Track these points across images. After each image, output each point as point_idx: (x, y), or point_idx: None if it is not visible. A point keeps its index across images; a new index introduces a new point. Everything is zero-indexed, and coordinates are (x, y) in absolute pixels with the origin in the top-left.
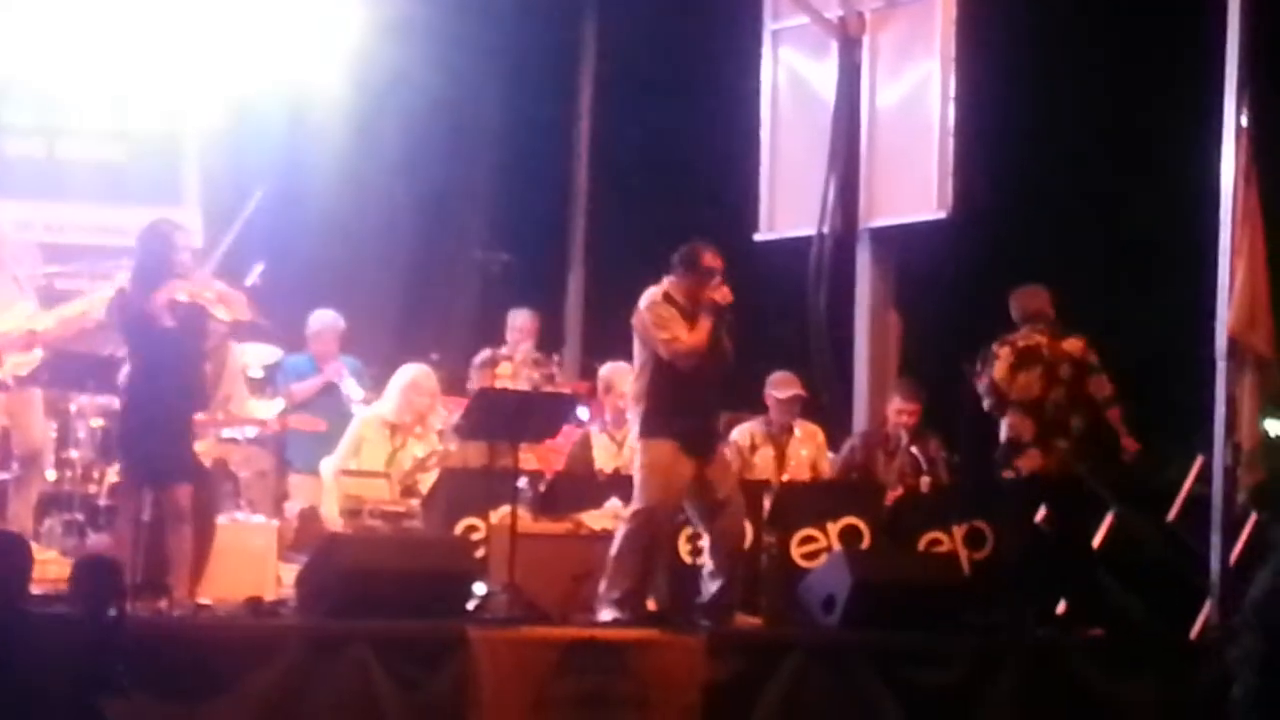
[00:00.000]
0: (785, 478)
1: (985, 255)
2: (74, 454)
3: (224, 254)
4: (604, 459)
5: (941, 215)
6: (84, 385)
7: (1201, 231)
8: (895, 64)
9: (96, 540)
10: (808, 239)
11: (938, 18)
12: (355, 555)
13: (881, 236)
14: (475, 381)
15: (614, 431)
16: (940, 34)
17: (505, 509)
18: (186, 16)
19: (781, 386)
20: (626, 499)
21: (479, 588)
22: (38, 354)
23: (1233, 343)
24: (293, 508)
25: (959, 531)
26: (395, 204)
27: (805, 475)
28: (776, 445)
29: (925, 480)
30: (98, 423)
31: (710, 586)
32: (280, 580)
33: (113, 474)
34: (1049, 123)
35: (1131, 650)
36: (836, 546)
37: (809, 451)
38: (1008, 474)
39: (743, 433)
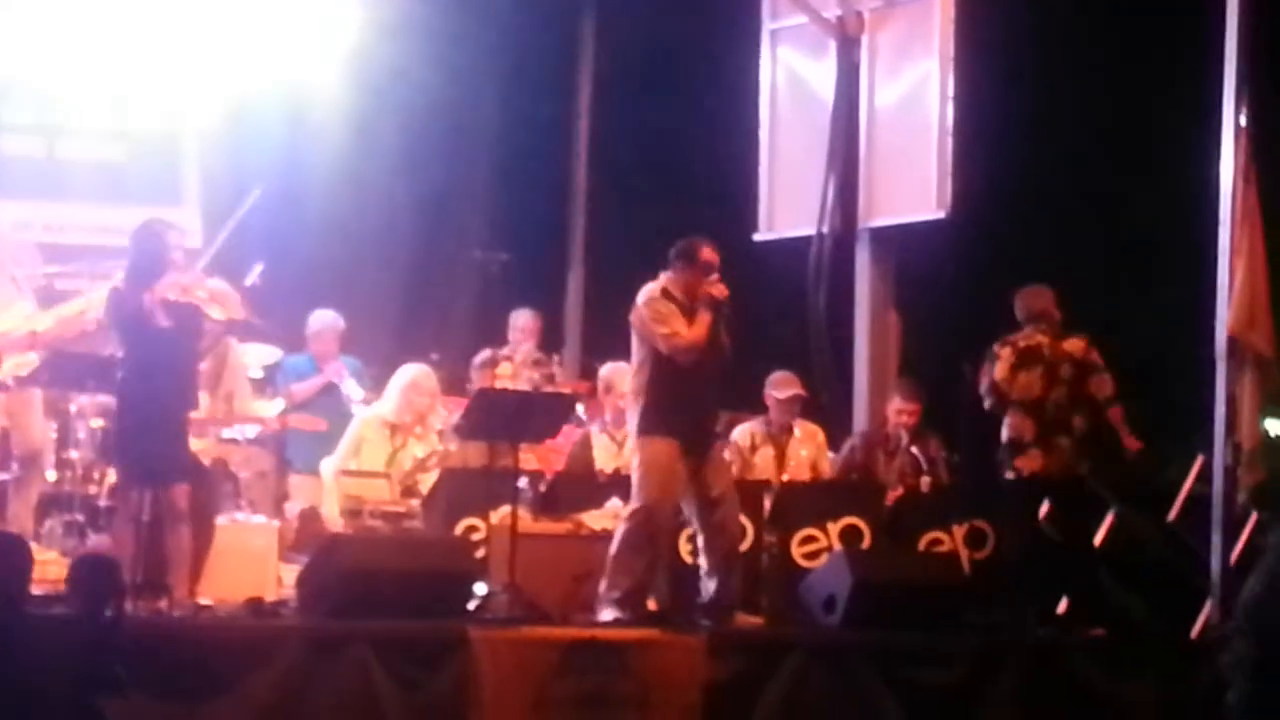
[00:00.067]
0: (785, 478)
1: (984, 255)
2: (74, 454)
3: (220, 251)
4: (604, 459)
5: (940, 215)
6: (84, 385)
7: (1201, 231)
8: (894, 63)
9: (97, 541)
10: (807, 239)
11: (936, 17)
12: (356, 556)
13: (881, 236)
14: (475, 381)
15: (614, 431)
16: (939, 33)
17: (505, 509)
18: (186, 16)
19: (781, 386)
20: (627, 499)
21: (479, 588)
22: (32, 356)
23: (1232, 342)
24: (293, 508)
25: (959, 531)
26: (395, 203)
27: (805, 475)
28: (777, 445)
29: (925, 480)
30: (98, 423)
31: (707, 585)
32: (281, 581)
33: (113, 474)
34: (1048, 122)
35: (1132, 650)
36: (837, 546)
37: (809, 451)
38: (1009, 474)
39: (743, 433)
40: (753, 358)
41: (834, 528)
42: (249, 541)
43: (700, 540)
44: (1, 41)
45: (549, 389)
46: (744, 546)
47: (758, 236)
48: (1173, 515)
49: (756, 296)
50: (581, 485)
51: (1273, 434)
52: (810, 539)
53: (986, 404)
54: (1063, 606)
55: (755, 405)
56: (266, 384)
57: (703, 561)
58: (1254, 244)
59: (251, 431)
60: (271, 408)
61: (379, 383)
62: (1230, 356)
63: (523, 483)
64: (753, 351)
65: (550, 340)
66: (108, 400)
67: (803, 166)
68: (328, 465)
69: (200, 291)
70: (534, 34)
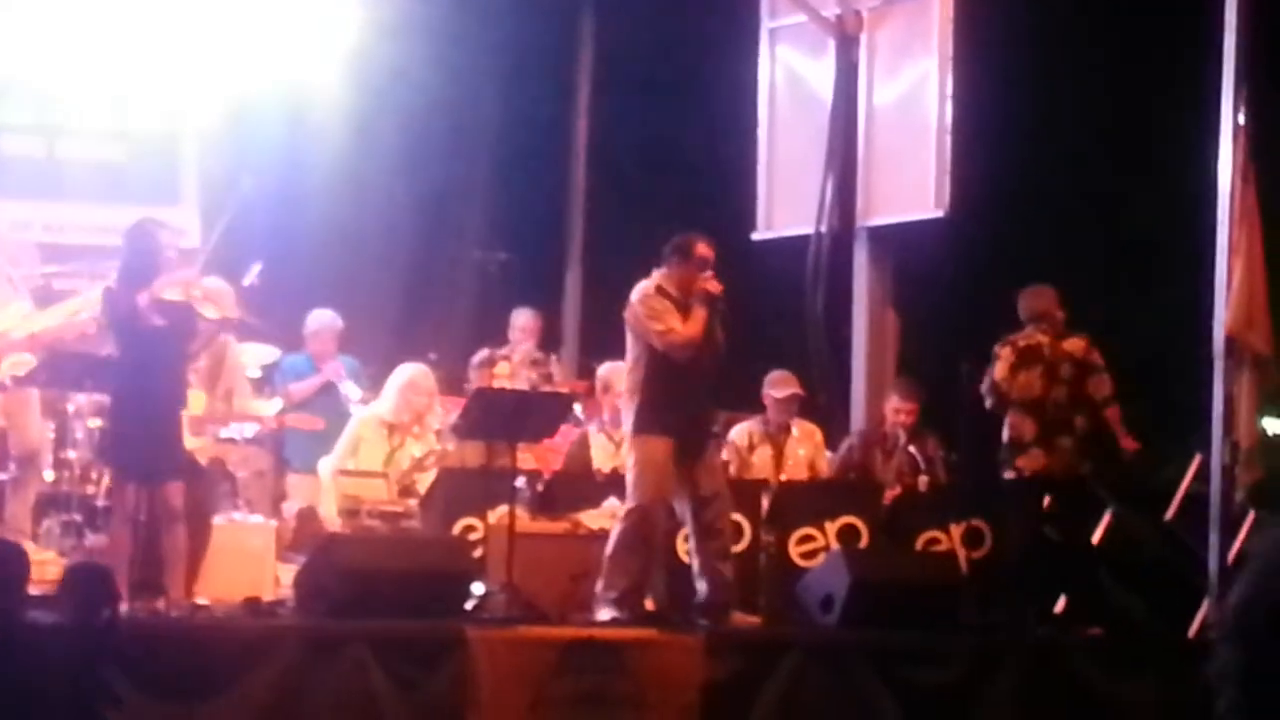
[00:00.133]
0: (783, 477)
1: (983, 254)
2: (72, 454)
3: (219, 251)
4: (602, 458)
5: (939, 214)
6: (81, 385)
7: (1200, 230)
8: (893, 62)
9: (94, 540)
10: (805, 238)
11: (935, 16)
12: (353, 555)
13: (879, 235)
14: (473, 381)
15: (612, 431)
16: (938, 32)
17: (503, 509)
18: (185, 16)
19: (779, 386)
20: (624, 498)
21: (477, 587)
22: (29, 356)
23: (1230, 341)
24: (291, 508)
25: (957, 530)
26: (393, 203)
27: (803, 474)
28: (774, 444)
29: (923, 479)
30: (95, 423)
31: (700, 585)
32: (278, 580)
33: (111, 476)
34: (1046, 121)
35: (1131, 650)
36: (835, 546)
37: (807, 451)
38: (1009, 474)
39: (741, 432)
40: (751, 357)
41: (832, 527)
42: (246, 541)
43: (691, 540)
44: (1, 41)
45: (547, 389)
46: (742, 546)
47: (756, 235)
48: (1170, 514)
49: (755, 295)
50: (579, 485)
51: (1271, 433)
52: (808, 538)
53: (987, 404)
54: (1061, 606)
55: (753, 404)
56: (265, 383)
57: (693, 561)
58: (1252, 243)
59: (249, 431)
60: (270, 407)
61: (377, 382)
62: (1228, 356)
63: (520, 482)
64: (750, 351)
65: (548, 340)
66: (105, 400)
67: (801, 165)
68: (325, 465)
69: (195, 290)
70: (533, 34)
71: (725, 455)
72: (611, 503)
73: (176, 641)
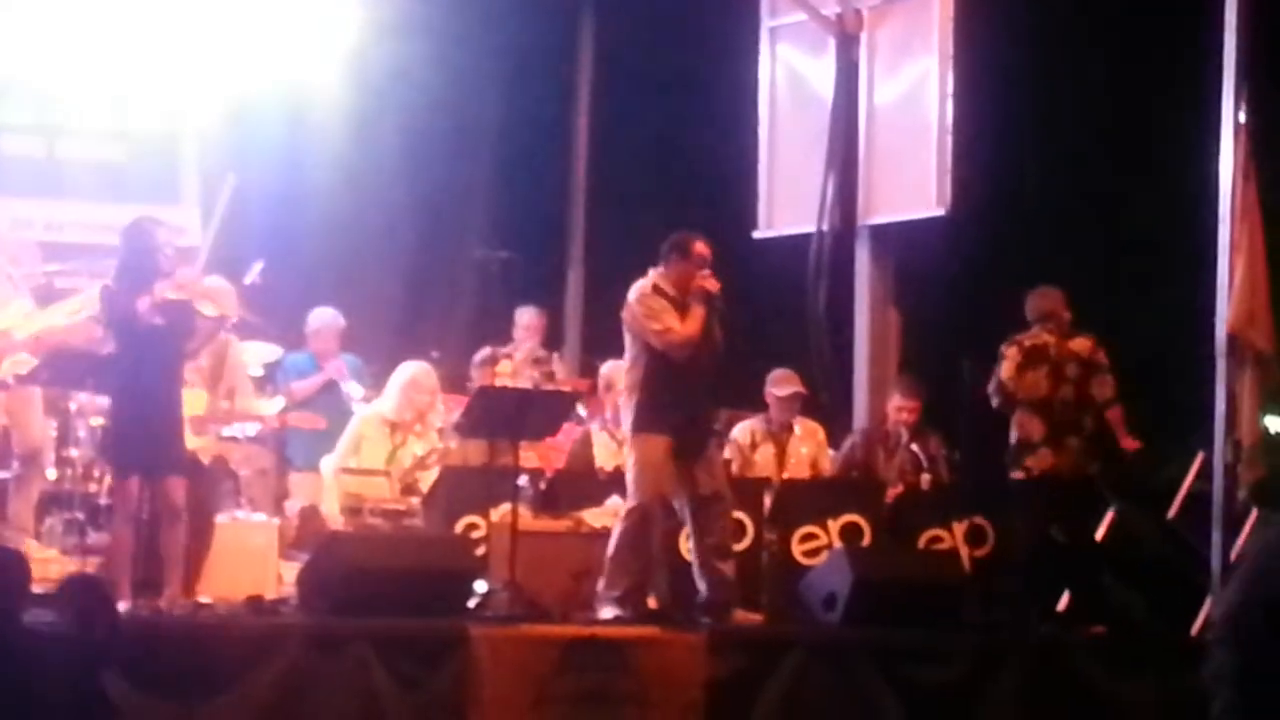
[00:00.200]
0: (786, 475)
1: (984, 252)
2: (74, 453)
3: (221, 249)
4: (604, 457)
5: (940, 212)
6: (83, 384)
7: (1201, 228)
8: (893, 61)
9: (97, 538)
10: (807, 236)
11: (935, 15)
12: (356, 553)
13: (880, 234)
14: (475, 379)
15: (614, 429)
16: (938, 31)
17: (506, 507)
18: (186, 16)
19: (781, 384)
20: (626, 497)
21: (480, 586)
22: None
23: (1232, 339)
24: (293, 506)
25: (960, 528)
26: (395, 202)
27: (806, 473)
28: (777, 443)
29: (926, 477)
30: (98, 421)
31: (700, 583)
32: (281, 578)
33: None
34: (1047, 120)
35: (1133, 649)
36: (837, 544)
37: (809, 449)
38: (1018, 474)
39: (743, 430)
40: (753, 355)
41: (834, 525)
42: (249, 539)
43: (692, 539)
44: (2, 41)
45: (549, 387)
46: (744, 544)
47: (757, 234)
48: (1173, 513)
49: (756, 294)
50: (582, 483)
51: (1273, 431)
52: (810, 536)
53: (994, 403)
54: (1063, 604)
55: (755, 403)
56: (267, 382)
57: (695, 560)
58: (1254, 241)
59: (252, 429)
60: (272, 405)
61: (379, 380)
62: (1230, 354)
63: (523, 480)
64: (753, 349)
65: (550, 338)
66: (107, 399)
67: (802, 164)
68: (328, 463)
69: (194, 288)
70: (534, 33)
71: (728, 453)
72: (614, 501)
73: (179, 640)
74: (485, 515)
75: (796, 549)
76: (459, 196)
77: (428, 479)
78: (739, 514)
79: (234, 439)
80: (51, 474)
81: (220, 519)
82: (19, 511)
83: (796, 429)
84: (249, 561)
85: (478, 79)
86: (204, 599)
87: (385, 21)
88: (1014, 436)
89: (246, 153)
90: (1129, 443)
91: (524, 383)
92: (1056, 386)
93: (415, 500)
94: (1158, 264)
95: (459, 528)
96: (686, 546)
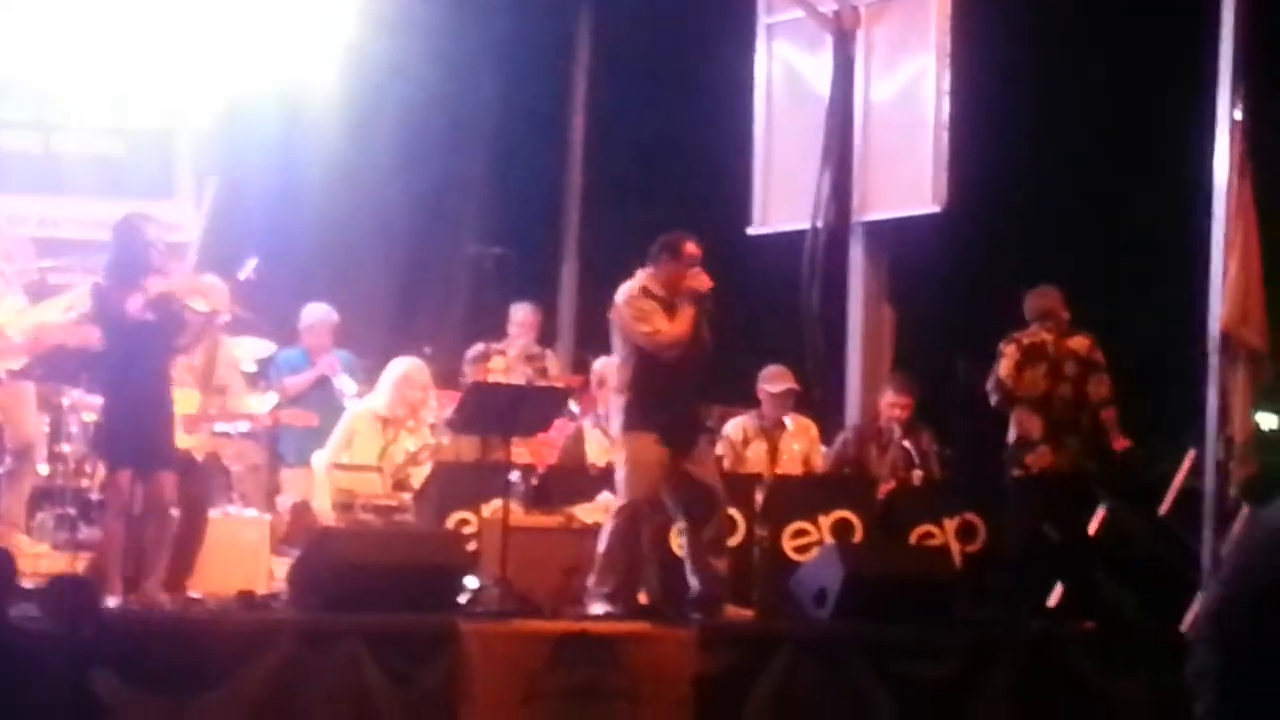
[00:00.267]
0: (778, 471)
1: (979, 250)
2: (66, 448)
3: (213, 246)
4: (596, 453)
5: (935, 210)
6: (76, 380)
7: (1196, 226)
8: (889, 58)
9: (88, 534)
10: (801, 233)
11: (932, 12)
12: (347, 549)
13: (875, 231)
14: (468, 375)
15: (607, 425)
16: (935, 28)
17: (497, 503)
18: (182, 12)
19: (774, 381)
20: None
21: (471, 581)
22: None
23: (1225, 337)
24: (285, 501)
25: (951, 525)
26: (389, 198)
27: (798, 469)
28: (769, 439)
29: (917, 474)
30: (90, 417)
31: (693, 580)
32: (272, 574)
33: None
34: (1043, 117)
35: (1125, 645)
36: (828, 540)
37: (801, 445)
38: (1016, 472)
39: (735, 427)
40: (746, 352)
41: (826, 521)
42: (241, 535)
43: (684, 535)
44: None
45: (542, 383)
46: (736, 540)
47: (752, 230)
48: (1164, 509)
49: (750, 290)
50: (573, 479)
51: (1264, 428)
52: (802, 532)
53: (992, 401)
54: (1054, 600)
55: (748, 399)
56: (260, 378)
57: (686, 556)
58: (1248, 239)
59: (244, 425)
60: (264, 401)
61: (372, 376)
62: (1223, 351)
63: (515, 476)
64: (746, 345)
65: (544, 334)
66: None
67: (798, 161)
68: (319, 459)
69: (184, 284)
70: (530, 29)
71: (720, 450)
72: (606, 497)
73: (170, 635)
74: (477, 511)
75: (788, 545)
76: (454, 192)
77: (420, 475)
78: (730, 510)
79: (226, 435)
80: (43, 469)
81: (212, 514)
82: (10, 507)
83: (789, 425)
84: (240, 557)
85: (473, 75)
86: (195, 594)
87: (381, 17)
88: (1012, 434)
89: (242, 148)
90: (1121, 443)
91: (517, 379)
92: (1055, 385)
93: (407, 496)
94: (1152, 262)
95: (450, 523)
96: (678, 542)
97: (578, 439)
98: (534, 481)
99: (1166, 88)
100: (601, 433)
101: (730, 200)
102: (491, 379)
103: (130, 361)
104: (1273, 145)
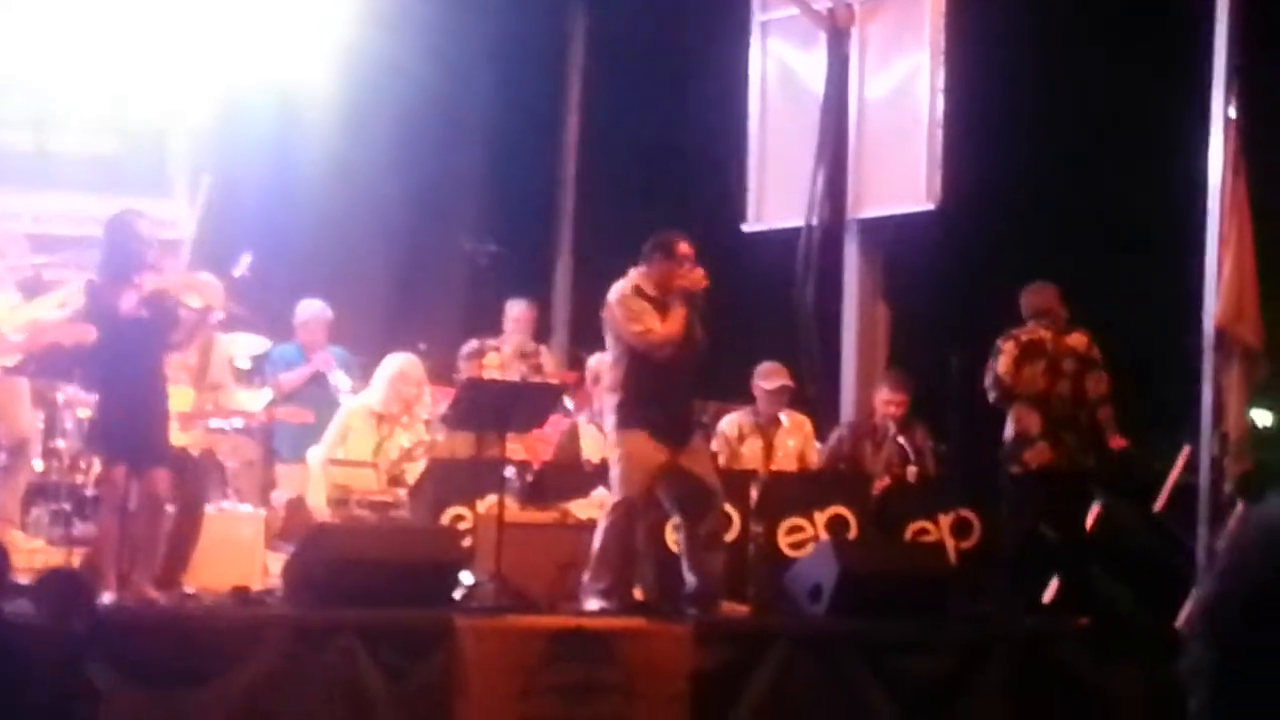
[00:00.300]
0: (773, 468)
1: (973, 247)
2: (61, 444)
3: (208, 243)
4: (591, 449)
5: (929, 207)
6: (71, 376)
7: (1190, 224)
8: (884, 55)
9: (83, 529)
10: (796, 230)
11: (926, 9)
12: (342, 545)
13: (870, 228)
14: (463, 372)
15: (602, 422)
16: (929, 26)
17: (492, 499)
18: (178, 9)
19: (769, 377)
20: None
21: (466, 577)
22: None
23: (1220, 334)
24: (280, 497)
25: (946, 521)
26: (384, 194)
27: (792, 465)
28: (764, 436)
29: (912, 470)
30: (85, 413)
31: (689, 576)
32: (267, 570)
33: (99, 464)
34: (1037, 115)
35: (1119, 640)
36: (824, 536)
37: (796, 442)
38: (1014, 469)
39: (730, 423)
40: (740, 348)
41: (820, 517)
42: (235, 530)
43: (680, 531)
44: None
45: (536, 380)
46: (731, 536)
47: (746, 227)
48: (1159, 505)
49: (745, 287)
50: (568, 475)
51: (1259, 424)
52: (797, 529)
53: (991, 397)
54: (1049, 596)
55: (743, 396)
56: (255, 374)
57: (683, 552)
58: (1242, 236)
59: (239, 421)
60: (259, 397)
61: (367, 372)
62: (1217, 348)
63: (510, 472)
64: (740, 342)
65: (539, 331)
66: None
67: (792, 158)
68: (315, 454)
69: (178, 280)
70: (524, 26)
71: (715, 446)
72: (600, 493)
73: (165, 631)
74: (472, 507)
75: (783, 541)
76: (449, 189)
77: (414, 471)
78: (725, 506)
79: (221, 431)
80: (38, 465)
81: (207, 510)
82: (5, 503)
83: (784, 422)
84: (235, 552)
85: (469, 72)
86: (190, 589)
87: (377, 15)
88: (1010, 431)
89: (237, 145)
90: (1117, 442)
91: (512, 375)
92: (1054, 382)
93: (402, 492)
94: (1147, 259)
95: (445, 519)
96: (673, 539)
97: (572, 435)
98: (529, 477)
99: (1161, 85)
100: (596, 429)
101: (725, 197)
102: (486, 375)
103: (124, 358)
104: (1267, 143)
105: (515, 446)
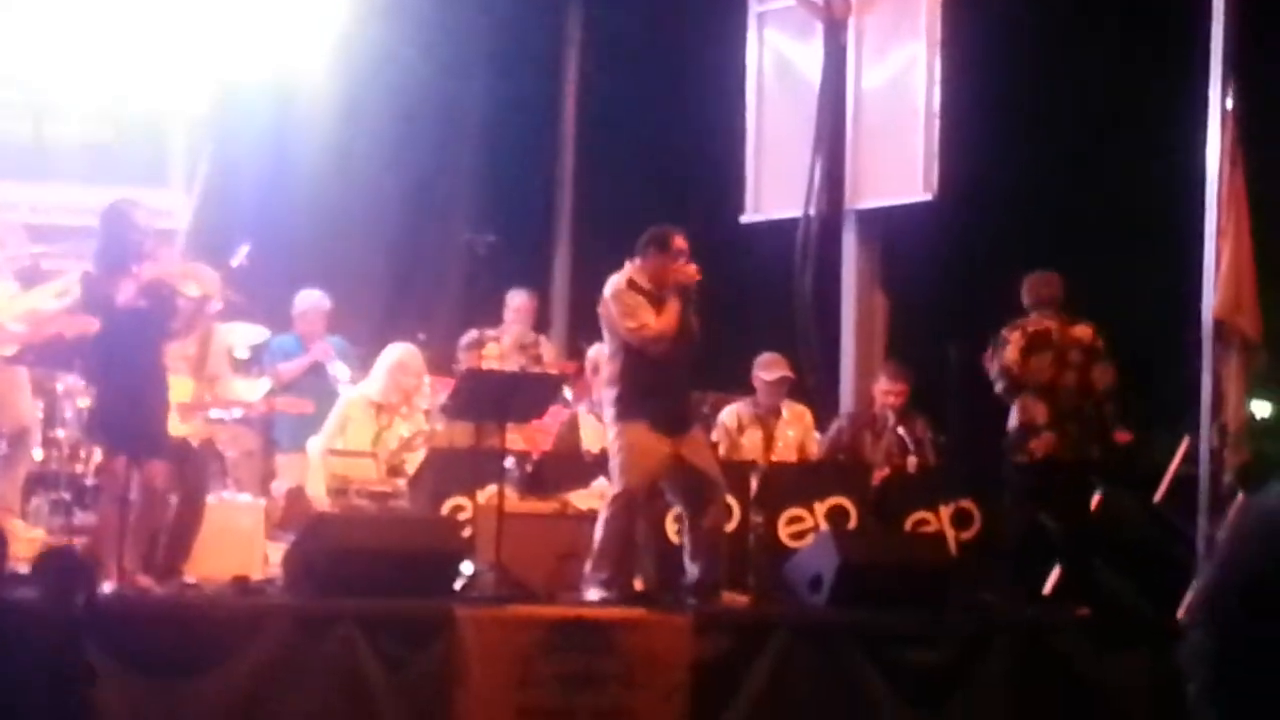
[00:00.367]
0: (772, 458)
1: (971, 237)
2: (61, 433)
3: (206, 232)
4: (591, 439)
5: (927, 197)
6: (70, 365)
7: (1188, 215)
8: (881, 46)
9: (83, 519)
10: (794, 221)
11: (923, 0)
12: (342, 534)
13: (867, 218)
14: (462, 362)
15: (601, 412)
16: (926, 16)
17: (492, 489)
18: (175, 1)
19: (769, 368)
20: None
21: (466, 567)
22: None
23: (1219, 325)
24: (279, 487)
25: (946, 511)
26: (382, 185)
27: (792, 456)
28: (764, 427)
29: (912, 460)
30: (84, 402)
31: (691, 567)
32: (267, 559)
33: (99, 453)
34: (1034, 105)
35: (1120, 630)
36: (823, 526)
37: (796, 432)
38: (1020, 458)
39: (730, 414)
40: (740, 339)
41: (820, 508)
42: (235, 520)
43: (684, 522)
44: None
45: (536, 370)
46: (731, 526)
47: (744, 218)
48: (1159, 496)
49: (743, 278)
50: (568, 465)
51: (1258, 415)
52: (797, 519)
53: (998, 388)
54: (1049, 586)
55: (742, 386)
56: (253, 364)
57: (685, 543)
58: (1240, 228)
59: (238, 410)
60: (258, 387)
61: (366, 362)
62: (1216, 339)
63: (509, 463)
64: (740, 333)
65: (538, 321)
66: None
67: (790, 149)
68: (314, 444)
69: (174, 269)
70: (522, 17)
71: (715, 437)
72: (600, 483)
73: (165, 620)
74: (471, 497)
75: (783, 531)
76: (447, 179)
77: (414, 461)
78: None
79: (220, 420)
80: (38, 454)
81: (207, 500)
82: (5, 492)
83: (783, 412)
84: (235, 542)
85: (465, 63)
86: (190, 579)
87: (373, 6)
88: (1015, 421)
89: (234, 136)
90: (1121, 435)
91: (511, 366)
92: (1060, 372)
93: (401, 482)
94: (1145, 250)
95: (445, 509)
96: (674, 529)
97: (572, 425)
98: (529, 467)
99: (1158, 76)
100: (596, 419)
101: (723, 188)
102: (486, 365)
103: (122, 349)
104: (1264, 134)
105: (515, 437)
